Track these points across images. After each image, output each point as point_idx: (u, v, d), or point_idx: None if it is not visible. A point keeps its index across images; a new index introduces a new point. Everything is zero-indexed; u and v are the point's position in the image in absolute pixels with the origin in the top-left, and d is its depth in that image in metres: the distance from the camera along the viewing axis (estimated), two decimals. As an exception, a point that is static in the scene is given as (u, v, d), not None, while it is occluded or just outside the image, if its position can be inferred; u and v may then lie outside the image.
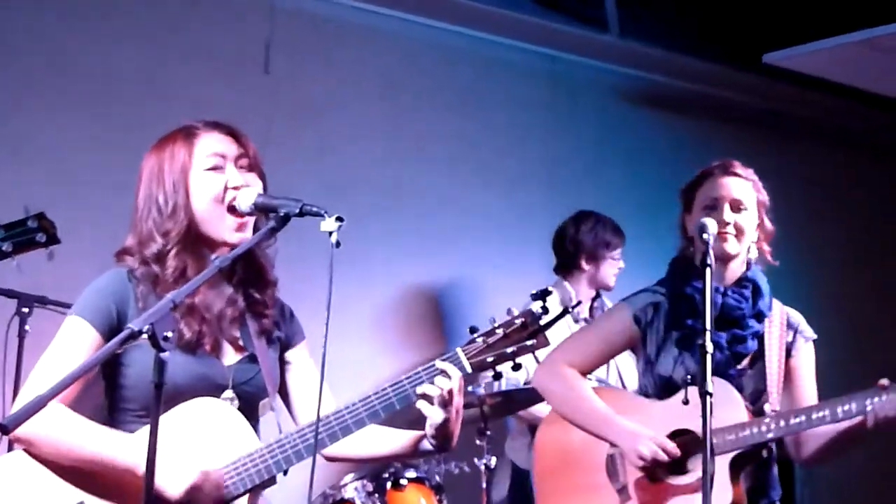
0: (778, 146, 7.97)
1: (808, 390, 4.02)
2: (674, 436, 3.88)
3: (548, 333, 3.10)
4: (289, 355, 3.32)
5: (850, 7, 6.65)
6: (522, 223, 6.79)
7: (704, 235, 3.59)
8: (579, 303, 5.84)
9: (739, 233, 3.95)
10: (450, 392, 3.04)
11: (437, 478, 4.90)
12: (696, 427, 3.78)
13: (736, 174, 4.01)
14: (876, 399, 3.66)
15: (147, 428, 2.82)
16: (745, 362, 3.99)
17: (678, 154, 7.15)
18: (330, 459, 3.27)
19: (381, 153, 6.35)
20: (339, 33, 6.27)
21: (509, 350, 3.05)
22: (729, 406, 3.80)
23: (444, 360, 3.06)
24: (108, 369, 3.08)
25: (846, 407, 3.70)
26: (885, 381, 3.68)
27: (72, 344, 3.02)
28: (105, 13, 5.57)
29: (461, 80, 6.74)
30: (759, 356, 3.99)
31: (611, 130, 7.27)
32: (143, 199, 3.15)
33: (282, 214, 2.95)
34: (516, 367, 3.08)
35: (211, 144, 3.14)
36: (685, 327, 3.96)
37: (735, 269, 4.01)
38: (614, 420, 3.92)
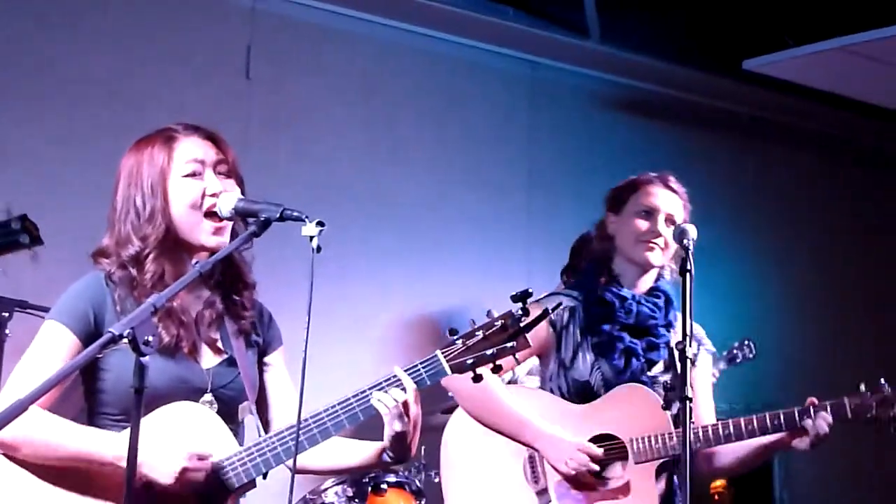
0: (757, 152, 8.00)
1: (705, 400, 4.08)
2: (594, 441, 3.90)
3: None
4: (265, 362, 3.31)
5: (829, 14, 6.68)
6: (503, 228, 6.80)
7: (685, 241, 3.60)
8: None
9: (666, 246, 3.99)
10: (405, 404, 3.03)
11: (418, 483, 4.91)
12: (618, 432, 3.86)
13: (672, 188, 4.07)
14: (806, 418, 3.74)
15: (127, 431, 2.82)
16: (659, 369, 4.03)
17: (658, 159, 7.09)
18: (297, 472, 3.25)
19: (361, 158, 6.36)
20: (319, 38, 6.28)
21: (489, 352, 3.03)
22: (652, 413, 3.85)
23: (424, 362, 3.05)
24: (87, 374, 3.07)
25: (776, 422, 3.79)
26: (814, 400, 3.78)
27: (49, 349, 3.00)
28: (84, 17, 5.56)
29: (442, 85, 6.75)
30: (669, 365, 4.01)
31: (591, 136, 7.28)
32: (120, 200, 3.13)
33: (262, 219, 2.94)
34: (496, 369, 3.06)
35: (190, 150, 3.12)
36: (601, 333, 3.99)
37: (648, 280, 4.07)
38: (534, 425, 3.89)
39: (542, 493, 3.92)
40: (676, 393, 3.37)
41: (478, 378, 3.05)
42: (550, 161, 7.09)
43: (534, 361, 4.43)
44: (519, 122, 7.04)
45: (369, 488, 4.73)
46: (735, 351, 6.32)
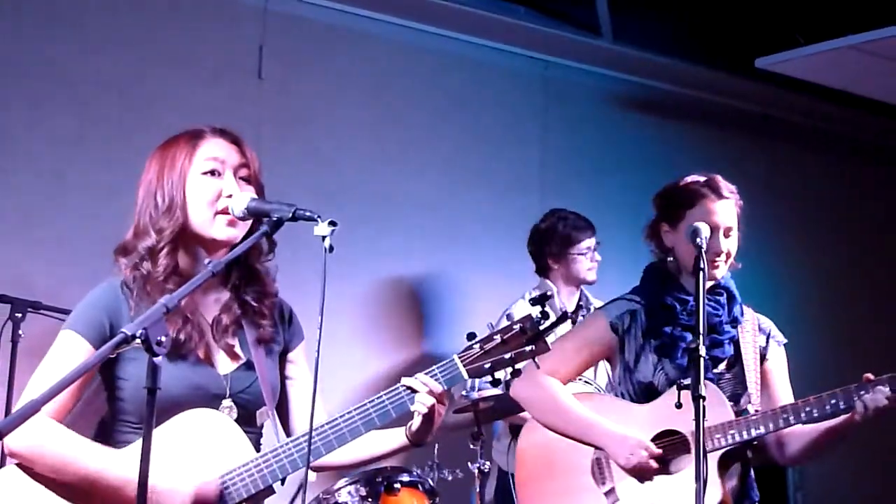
0: (770, 150, 7.98)
1: (783, 392, 4.10)
2: (659, 437, 3.93)
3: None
4: (287, 359, 3.32)
5: (841, 12, 6.66)
6: (514, 228, 6.77)
7: (698, 240, 3.61)
8: (577, 309, 5.81)
9: (728, 257, 4.03)
10: (432, 407, 3.07)
11: (431, 482, 4.90)
12: (681, 428, 3.87)
13: (725, 196, 4.04)
14: (864, 393, 3.72)
15: (135, 448, 2.89)
16: (723, 366, 4.04)
17: (670, 158, 7.15)
18: (316, 470, 3.25)
19: (372, 158, 6.35)
20: (331, 38, 6.27)
21: (507, 356, 3.03)
22: (715, 406, 3.84)
23: (441, 366, 3.07)
24: (107, 383, 3.10)
25: (833, 401, 3.77)
26: (870, 375, 3.76)
27: (65, 357, 3.01)
28: (93, 18, 5.56)
29: (453, 85, 6.74)
30: (735, 360, 4.05)
31: (604, 135, 7.27)
32: (143, 194, 3.16)
33: (274, 219, 2.95)
34: (515, 374, 3.06)
35: (212, 149, 3.15)
36: (663, 335, 4.00)
37: (727, 267, 4.07)
38: (599, 425, 3.96)
39: (609, 493, 3.98)
40: (691, 392, 3.37)
41: (496, 382, 3.06)
42: (562, 160, 7.09)
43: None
44: (531, 122, 7.03)
45: (382, 487, 4.71)
46: None
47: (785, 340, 4.17)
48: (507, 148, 6.89)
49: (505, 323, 3.09)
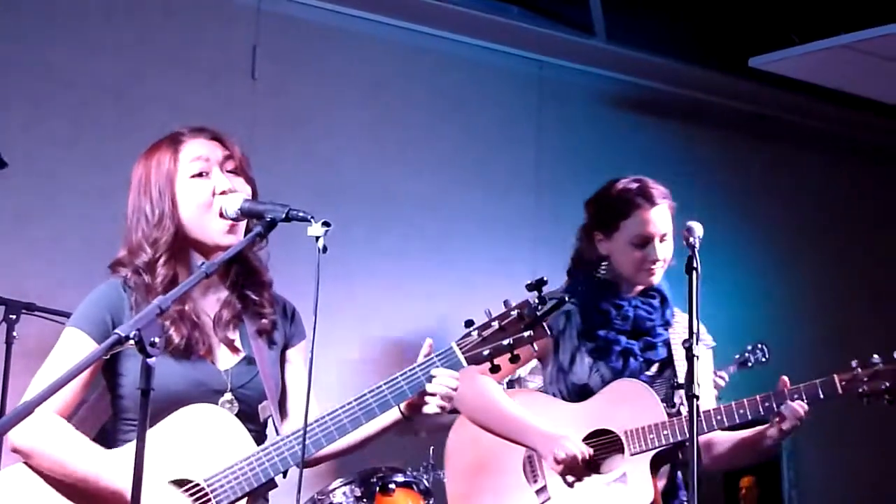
0: (764, 150, 7.99)
1: (706, 394, 4.06)
2: (590, 437, 3.94)
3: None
4: (287, 355, 3.32)
5: (835, 11, 6.67)
6: (510, 228, 6.80)
7: (691, 239, 3.61)
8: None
9: (665, 263, 4.02)
10: (451, 394, 3.07)
11: (426, 482, 4.90)
12: (613, 427, 3.90)
13: (657, 203, 4.01)
14: (782, 405, 3.77)
15: (125, 451, 2.93)
16: (655, 368, 4.06)
17: (665, 157, 7.16)
18: (314, 463, 3.25)
19: (367, 158, 6.35)
20: (325, 38, 6.27)
21: (506, 342, 3.02)
22: (647, 405, 3.89)
23: (439, 354, 3.06)
24: (109, 381, 3.12)
25: (767, 404, 3.81)
26: (786, 379, 3.83)
27: (69, 355, 3.02)
28: (88, 19, 5.56)
29: (448, 85, 6.74)
30: (667, 362, 4.07)
31: (598, 134, 7.27)
32: (131, 210, 3.15)
33: (268, 219, 2.96)
34: (514, 359, 3.06)
35: (195, 150, 3.15)
36: (598, 339, 4.01)
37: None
38: (529, 425, 3.95)
39: (541, 490, 3.97)
40: (684, 390, 3.39)
41: (496, 368, 3.05)
42: (557, 160, 7.09)
43: (535, 361, 4.45)
44: (525, 122, 7.03)
45: (377, 488, 4.73)
46: (747, 354, 6.27)
47: (713, 344, 4.20)
48: (502, 147, 6.89)
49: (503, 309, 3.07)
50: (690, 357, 3.40)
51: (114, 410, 3.14)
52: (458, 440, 4.24)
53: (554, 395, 4.07)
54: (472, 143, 6.77)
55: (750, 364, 6.23)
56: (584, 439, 3.93)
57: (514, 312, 3.03)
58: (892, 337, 7.96)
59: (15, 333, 4.63)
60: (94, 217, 5.23)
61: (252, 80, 5.97)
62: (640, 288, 4.08)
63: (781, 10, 6.96)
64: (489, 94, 6.89)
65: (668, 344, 4.07)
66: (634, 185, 4.05)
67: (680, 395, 3.96)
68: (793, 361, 7.52)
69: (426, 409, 3.10)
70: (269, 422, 3.22)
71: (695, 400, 3.35)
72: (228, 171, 3.16)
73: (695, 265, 3.52)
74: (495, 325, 3.04)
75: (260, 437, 3.14)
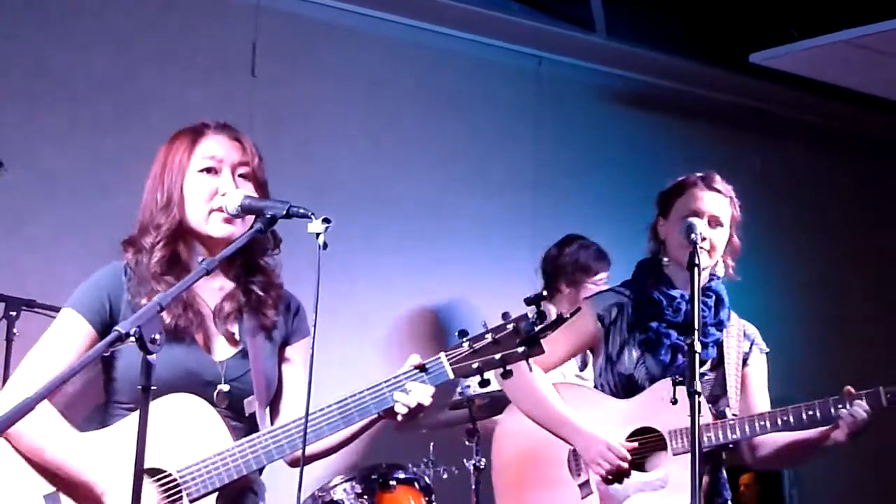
0: (764, 146, 7.99)
1: (761, 398, 4.14)
2: (635, 434, 3.98)
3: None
4: (286, 351, 3.33)
5: (837, 6, 6.67)
6: (509, 225, 6.79)
7: (692, 236, 3.62)
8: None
9: (712, 248, 4.04)
10: (422, 407, 3.02)
11: (426, 479, 4.91)
12: (658, 426, 3.93)
13: (717, 189, 4.09)
14: (841, 406, 3.77)
15: (124, 422, 2.99)
16: (706, 367, 4.08)
17: (665, 154, 7.16)
18: (293, 464, 3.23)
19: (366, 155, 6.35)
20: (324, 35, 6.27)
21: (497, 357, 2.97)
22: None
23: (427, 363, 3.03)
24: (103, 363, 3.14)
25: (811, 412, 3.83)
26: (851, 389, 3.81)
27: (64, 336, 3.09)
28: (85, 15, 5.56)
29: (446, 81, 6.74)
30: (718, 363, 4.10)
31: (598, 131, 7.27)
32: (147, 191, 3.21)
33: (268, 216, 2.97)
34: (506, 375, 3.00)
35: (211, 147, 3.19)
36: (649, 330, 4.05)
37: (712, 260, 4.10)
38: (573, 423, 3.99)
39: (584, 485, 4.03)
40: (686, 387, 3.40)
41: (484, 383, 2.99)
42: (557, 157, 7.08)
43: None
44: (525, 118, 7.03)
45: (378, 485, 4.73)
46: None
47: (767, 350, 4.24)
48: (500, 144, 6.89)
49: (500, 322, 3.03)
50: (692, 354, 3.42)
51: (105, 393, 3.17)
52: (508, 429, 4.30)
53: (602, 387, 4.12)
54: (471, 140, 6.77)
55: None
56: (628, 437, 3.98)
57: (510, 326, 2.98)
58: (895, 334, 8.00)
59: (15, 330, 4.63)
60: (93, 213, 5.24)
61: (252, 77, 5.97)
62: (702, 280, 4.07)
63: (782, 5, 6.96)
64: (488, 90, 6.89)
65: (719, 345, 4.10)
66: (699, 173, 4.13)
67: (725, 398, 4.00)
68: (794, 360, 7.55)
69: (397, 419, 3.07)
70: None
71: (696, 396, 3.36)
72: (240, 176, 3.19)
73: (696, 261, 3.55)
74: (489, 337, 2.99)
75: (247, 432, 3.13)
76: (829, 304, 8.03)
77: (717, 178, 4.12)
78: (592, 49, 7.03)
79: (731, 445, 3.95)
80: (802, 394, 3.99)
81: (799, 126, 8.11)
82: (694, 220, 3.74)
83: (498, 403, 5.21)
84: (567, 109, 7.19)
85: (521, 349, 2.96)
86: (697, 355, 3.45)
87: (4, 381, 4.55)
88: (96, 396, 3.19)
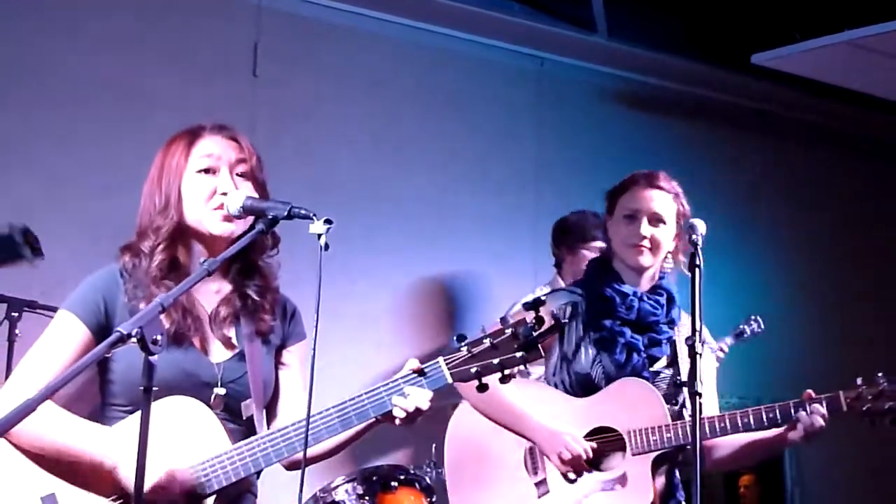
0: (766, 147, 7.99)
1: (709, 397, 4.11)
2: (592, 434, 3.98)
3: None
4: (283, 355, 3.33)
5: (839, 7, 6.67)
6: (510, 226, 6.79)
7: (693, 236, 3.62)
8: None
9: (655, 247, 4.05)
10: (420, 411, 3.01)
11: (428, 480, 4.91)
12: (616, 426, 3.93)
13: (658, 187, 4.09)
14: (801, 411, 3.78)
15: (125, 422, 2.97)
16: (660, 366, 4.08)
17: (666, 155, 7.15)
18: (290, 467, 3.22)
19: (367, 156, 6.35)
20: (326, 35, 6.27)
21: (496, 361, 2.96)
22: (651, 406, 3.92)
23: (426, 368, 3.02)
24: (99, 365, 3.13)
25: (770, 415, 3.83)
26: (811, 392, 3.82)
27: (60, 338, 3.08)
28: (88, 16, 5.56)
29: (448, 82, 6.74)
30: (672, 361, 4.10)
31: (599, 132, 7.27)
32: (145, 195, 3.21)
33: (270, 217, 2.98)
34: (504, 379, 2.98)
35: (208, 146, 3.19)
36: (603, 328, 4.05)
37: (649, 278, 4.12)
38: (532, 418, 3.98)
39: (540, 483, 4.01)
40: (687, 388, 3.39)
41: (483, 387, 2.98)
42: (558, 158, 7.08)
43: None
44: (526, 119, 7.03)
45: (379, 486, 4.73)
46: (742, 326, 6.31)
47: (717, 347, 4.23)
48: (501, 144, 6.89)
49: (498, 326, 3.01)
50: (693, 354, 3.41)
51: (102, 395, 3.16)
52: (458, 428, 4.26)
53: (556, 386, 4.10)
54: (472, 141, 6.77)
55: (746, 335, 6.27)
56: (586, 436, 3.96)
57: (509, 331, 2.96)
58: (895, 335, 7.99)
59: (17, 331, 4.64)
60: (96, 214, 5.24)
61: (253, 78, 5.98)
62: (647, 284, 4.10)
63: (784, 6, 6.96)
64: (489, 90, 6.89)
65: (672, 343, 4.10)
66: (644, 171, 4.15)
67: (683, 393, 3.98)
68: (794, 360, 7.55)
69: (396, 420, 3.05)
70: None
71: (697, 397, 3.35)
72: (238, 175, 3.18)
73: (697, 262, 3.54)
74: (487, 342, 2.98)
75: (244, 435, 3.12)
76: (833, 304, 8.03)
77: (662, 175, 4.13)
78: (594, 50, 7.03)
79: (686, 447, 3.90)
80: (797, 385, 3.97)
81: (801, 127, 8.11)
82: (697, 221, 3.71)
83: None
84: (568, 110, 7.19)
85: (519, 354, 2.95)
86: (699, 357, 3.43)
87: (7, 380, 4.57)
88: (92, 400, 3.19)
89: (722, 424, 3.85)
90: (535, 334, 2.94)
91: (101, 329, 3.07)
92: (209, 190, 3.14)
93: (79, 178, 5.40)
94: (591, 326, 4.06)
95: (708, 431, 3.85)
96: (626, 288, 4.07)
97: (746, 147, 7.88)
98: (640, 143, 7.30)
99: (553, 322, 3.03)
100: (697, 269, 3.54)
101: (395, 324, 6.33)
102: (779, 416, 3.82)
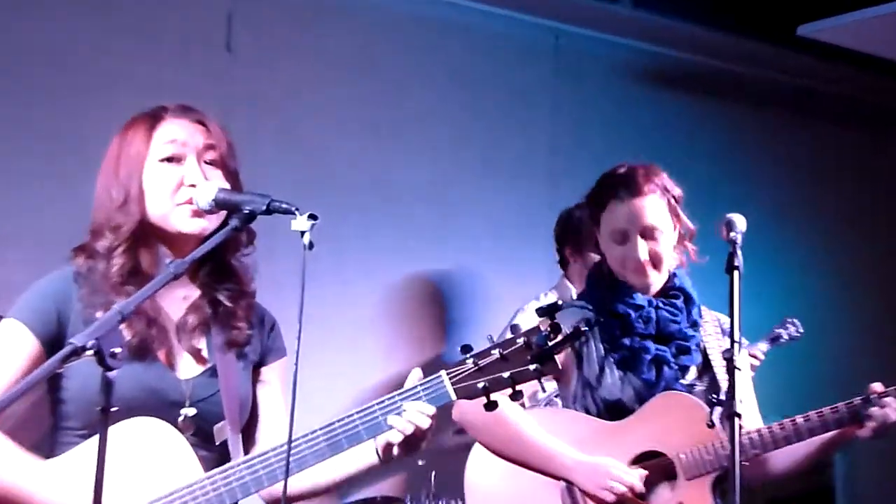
0: (811, 129, 8.00)
1: (749, 402, 4.08)
2: (638, 459, 3.94)
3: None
4: (261, 373, 3.30)
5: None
6: (523, 220, 6.79)
7: (732, 234, 3.58)
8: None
9: (657, 262, 4.01)
10: (421, 431, 2.98)
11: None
12: (664, 449, 3.89)
13: (641, 192, 4.00)
14: (872, 407, 3.78)
15: (80, 449, 2.94)
16: (693, 376, 4.06)
17: (700, 140, 7.16)
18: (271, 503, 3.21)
19: (358, 142, 6.35)
20: (310, 5, 6.26)
21: (506, 375, 2.93)
22: (698, 420, 3.83)
23: (424, 384, 3.00)
24: (49, 382, 3.08)
25: (837, 417, 3.83)
26: (877, 387, 3.81)
27: (5, 350, 3.03)
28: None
29: (451, 57, 6.74)
30: (705, 368, 4.07)
31: (623, 113, 7.28)
32: (99, 188, 3.17)
33: (246, 212, 2.94)
34: (515, 396, 2.96)
35: (172, 131, 3.15)
36: (623, 348, 4.01)
37: (662, 271, 4.07)
38: (563, 454, 3.92)
39: None
40: (725, 408, 3.36)
41: (491, 405, 2.96)
42: (576, 143, 7.09)
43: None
44: (539, 98, 7.03)
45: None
46: (779, 330, 6.29)
47: (748, 343, 4.20)
48: (512, 130, 6.89)
49: (508, 335, 2.98)
50: (732, 370, 3.37)
51: (53, 417, 3.11)
52: (481, 470, 4.21)
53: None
54: (478, 125, 6.77)
55: (783, 340, 6.25)
56: (630, 464, 3.92)
57: (521, 341, 2.94)
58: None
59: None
60: (49, 210, 5.22)
61: (227, 53, 5.96)
62: (658, 286, 4.07)
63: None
64: (498, 67, 6.89)
65: (703, 347, 4.07)
66: (620, 171, 4.07)
67: (719, 412, 3.95)
68: (843, 355, 7.56)
69: (398, 446, 3.02)
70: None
71: (737, 419, 3.32)
72: (207, 162, 3.15)
73: (736, 263, 3.50)
74: (496, 353, 2.95)
75: (219, 462, 3.09)
76: (880, 296, 8.05)
77: (640, 172, 4.04)
78: (616, 20, 7.04)
79: (745, 462, 3.87)
80: (846, 394, 3.96)
81: (850, 105, 8.12)
82: (735, 217, 3.68)
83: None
84: (587, 88, 7.20)
85: (532, 367, 2.93)
86: (737, 371, 3.39)
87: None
88: (40, 424, 3.15)
89: (785, 433, 3.84)
90: (550, 344, 2.91)
91: (53, 341, 3.03)
92: (175, 181, 3.10)
93: (30, 167, 5.37)
94: (611, 346, 4.04)
95: (770, 442, 3.84)
96: (639, 299, 4.02)
97: (791, 129, 7.88)
98: (669, 125, 7.31)
99: (572, 330, 2.98)
100: (737, 272, 3.51)
101: (391, 333, 6.33)
102: (847, 415, 3.80)
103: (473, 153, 6.73)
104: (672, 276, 4.09)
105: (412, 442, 3.00)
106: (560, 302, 2.97)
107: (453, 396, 2.98)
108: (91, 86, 5.52)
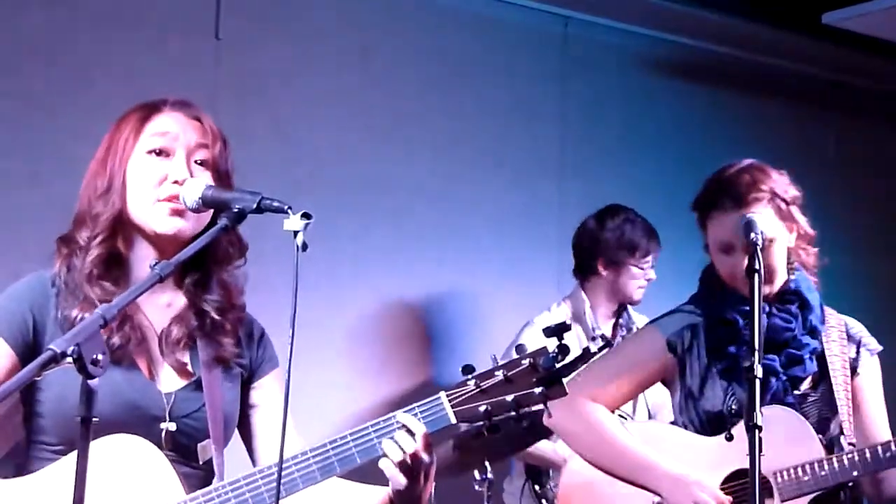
0: (839, 121, 7.99)
1: (878, 413, 4.10)
2: (731, 478, 3.95)
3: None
4: (253, 387, 3.29)
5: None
6: (530, 222, 6.79)
7: (752, 235, 3.59)
8: (602, 337, 5.74)
9: (770, 273, 3.94)
10: (413, 456, 2.96)
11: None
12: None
13: (747, 202, 3.94)
14: None
15: (55, 466, 2.92)
16: (806, 386, 4.03)
17: (719, 134, 7.15)
18: None
19: (353, 136, 6.34)
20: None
21: (510, 398, 2.92)
22: (800, 440, 3.86)
23: (422, 405, 2.98)
24: (24, 393, 3.07)
25: None
26: None
27: None
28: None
29: (454, 46, 6.73)
30: (821, 378, 4.03)
31: (636, 106, 7.28)
32: (88, 175, 3.18)
33: (236, 210, 2.93)
34: (519, 419, 2.95)
35: (164, 124, 3.16)
36: (728, 357, 4.00)
37: (775, 283, 4.03)
38: (655, 466, 3.96)
39: None
40: (745, 420, 3.37)
41: (493, 429, 2.96)
42: (586, 137, 7.09)
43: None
44: (548, 92, 7.03)
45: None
46: None
47: (879, 348, 4.15)
48: (518, 123, 6.89)
49: (514, 355, 2.97)
50: (752, 382, 3.38)
51: (26, 431, 3.11)
52: (573, 484, 4.26)
53: (685, 427, 4.08)
54: (481, 118, 6.76)
55: None
56: (723, 482, 3.94)
57: (526, 362, 2.93)
58: None
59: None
60: (21, 206, 5.21)
61: (215, 41, 5.96)
62: (773, 290, 4.03)
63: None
64: (503, 57, 6.88)
65: (819, 355, 4.04)
66: (725, 176, 4.02)
67: (837, 419, 3.95)
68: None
69: (398, 479, 2.98)
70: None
71: (757, 431, 3.33)
72: (197, 162, 3.15)
73: (757, 267, 3.51)
74: (499, 374, 2.94)
75: (202, 483, 3.09)
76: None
77: (745, 180, 3.98)
78: (629, 7, 7.03)
79: (849, 484, 3.88)
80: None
81: (878, 97, 8.11)
82: (754, 217, 3.69)
83: (514, 440, 5.21)
84: (599, 80, 7.19)
85: (538, 390, 2.92)
86: (757, 381, 3.41)
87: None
88: (13, 435, 3.15)
89: (890, 452, 3.82)
90: (557, 366, 2.91)
91: (28, 349, 3.02)
92: (159, 176, 3.09)
93: (6, 164, 5.37)
94: (715, 356, 4.03)
95: (874, 465, 3.82)
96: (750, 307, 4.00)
97: (815, 122, 7.88)
98: (687, 119, 7.31)
99: (582, 352, 2.95)
100: (757, 276, 3.52)
101: (388, 338, 6.32)
102: None
103: (476, 147, 6.72)
104: (788, 281, 4.05)
105: (409, 469, 2.96)
106: (569, 322, 2.96)
107: (453, 419, 2.97)
108: (68, 76, 5.52)
